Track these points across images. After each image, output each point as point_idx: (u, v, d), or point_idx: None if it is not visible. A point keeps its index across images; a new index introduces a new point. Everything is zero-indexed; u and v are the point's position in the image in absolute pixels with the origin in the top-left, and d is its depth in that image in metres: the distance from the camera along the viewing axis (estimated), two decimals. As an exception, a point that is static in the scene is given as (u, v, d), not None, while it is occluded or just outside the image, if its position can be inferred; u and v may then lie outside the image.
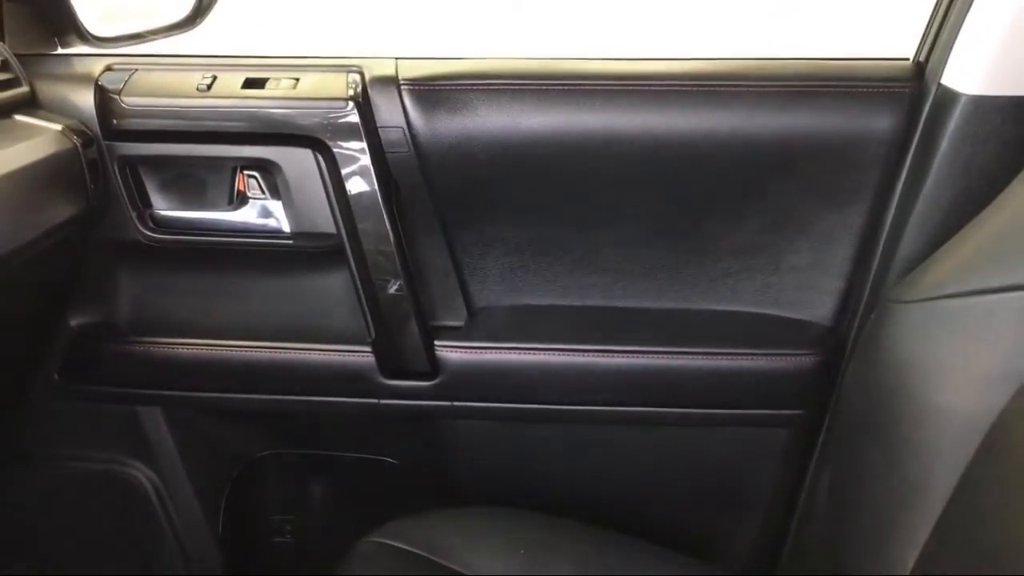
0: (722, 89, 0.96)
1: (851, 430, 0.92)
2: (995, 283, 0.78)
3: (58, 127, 0.92)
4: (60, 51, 1.09)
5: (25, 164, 0.84)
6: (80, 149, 0.92)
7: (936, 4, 0.97)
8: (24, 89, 0.94)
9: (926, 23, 0.97)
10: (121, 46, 1.12)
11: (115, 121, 0.96)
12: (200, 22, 1.20)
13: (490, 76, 0.98)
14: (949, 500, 0.79)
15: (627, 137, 0.97)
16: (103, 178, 0.97)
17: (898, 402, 0.83)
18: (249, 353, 1.06)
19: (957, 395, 0.79)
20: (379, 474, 1.16)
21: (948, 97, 0.91)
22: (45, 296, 1.01)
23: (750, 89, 0.96)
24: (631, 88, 0.97)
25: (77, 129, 0.94)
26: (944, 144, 0.91)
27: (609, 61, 1.00)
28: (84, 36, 1.09)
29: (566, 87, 0.97)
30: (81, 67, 1.01)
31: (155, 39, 1.16)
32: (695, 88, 0.97)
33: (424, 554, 0.89)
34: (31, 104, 0.95)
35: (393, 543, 0.90)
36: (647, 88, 0.97)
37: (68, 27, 1.07)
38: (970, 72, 0.90)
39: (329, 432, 1.15)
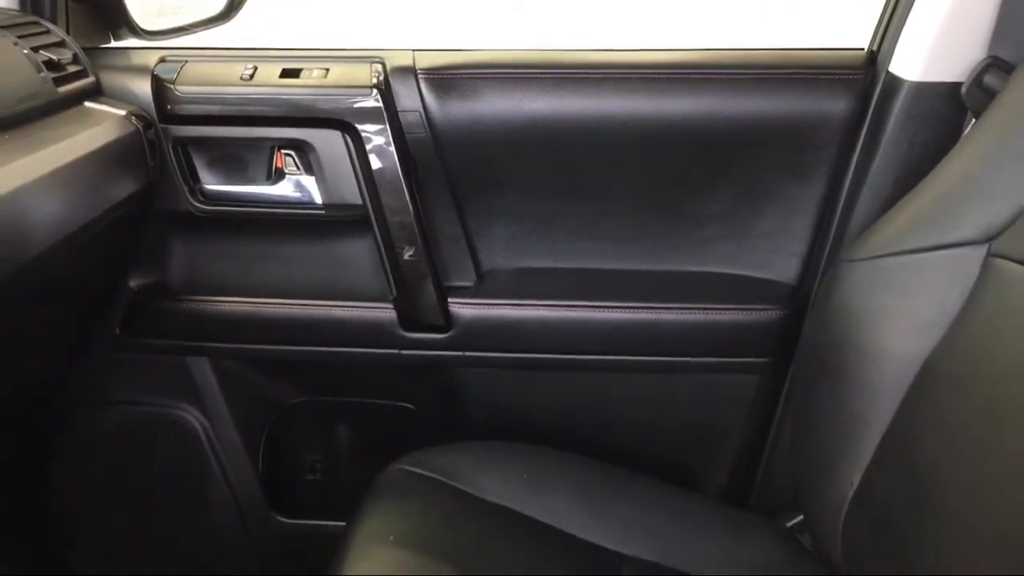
0: (700, 76, 1.09)
1: (808, 373, 1.05)
2: (926, 243, 0.92)
3: (122, 112, 1.05)
4: (114, 44, 1.22)
5: (99, 146, 0.98)
6: (141, 132, 1.06)
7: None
8: (91, 79, 1.08)
9: (879, 16, 1.10)
10: (167, 39, 1.25)
11: (170, 107, 1.10)
12: (234, 16, 1.33)
13: (496, 66, 1.11)
14: (887, 428, 0.92)
15: (617, 119, 1.10)
16: (159, 157, 1.11)
17: (846, 347, 0.96)
18: (285, 310, 1.20)
19: (894, 340, 0.93)
20: (398, 418, 1.30)
21: (895, 83, 1.04)
22: (110, 260, 1.15)
23: (724, 76, 1.09)
24: (620, 76, 1.10)
25: (138, 114, 1.07)
26: (891, 124, 1.05)
27: (601, 52, 1.13)
28: (135, 30, 1.22)
29: (563, 75, 1.11)
30: (137, 59, 1.15)
31: (196, 32, 1.29)
32: (676, 75, 1.10)
33: (441, 478, 1.04)
34: (97, 92, 1.09)
35: (414, 469, 1.04)
36: (634, 76, 1.10)
37: (121, 22, 1.20)
38: (913, 61, 1.03)
39: (354, 381, 1.30)
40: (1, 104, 0.89)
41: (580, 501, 1.05)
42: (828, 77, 1.08)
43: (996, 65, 0.97)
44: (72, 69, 1.05)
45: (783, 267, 1.17)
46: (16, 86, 0.93)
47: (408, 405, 1.30)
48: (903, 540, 0.85)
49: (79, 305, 1.14)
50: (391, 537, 0.93)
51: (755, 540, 1.07)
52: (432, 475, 1.04)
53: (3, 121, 0.89)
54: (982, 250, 0.88)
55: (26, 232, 0.83)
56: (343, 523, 0.99)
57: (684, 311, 1.16)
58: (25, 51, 0.97)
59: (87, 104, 1.05)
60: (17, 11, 1.08)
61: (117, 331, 1.21)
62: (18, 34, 0.99)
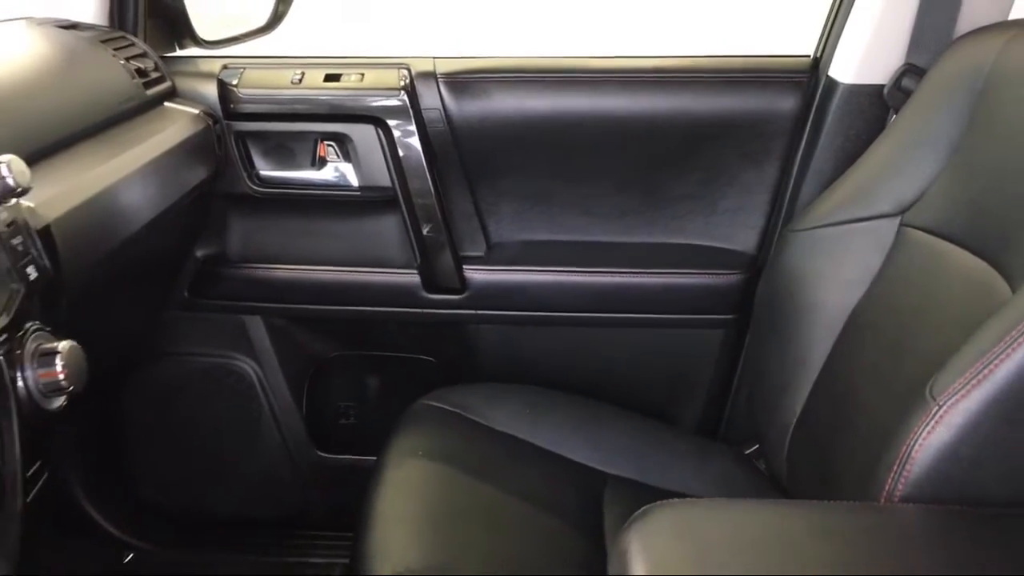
0: (671, 79, 1.31)
1: (761, 326, 1.27)
2: (853, 216, 1.13)
3: (196, 111, 1.28)
4: (178, 52, 1.44)
5: (180, 140, 1.19)
6: (211, 127, 1.28)
7: (829, 10, 1.31)
8: (169, 84, 1.30)
9: (821, 28, 1.32)
10: (223, 47, 1.47)
11: (232, 105, 1.32)
12: (276, 27, 1.55)
13: (504, 70, 1.33)
14: (821, 368, 1.13)
15: (603, 115, 1.32)
16: (224, 148, 1.33)
17: (790, 303, 1.17)
18: (325, 275, 1.42)
19: (828, 296, 1.14)
20: (420, 369, 1.52)
21: (832, 85, 1.26)
22: (183, 235, 1.36)
23: (692, 79, 1.31)
24: (606, 79, 1.32)
25: (208, 112, 1.30)
26: (829, 119, 1.26)
27: (589, 59, 1.35)
28: (197, 40, 1.44)
29: (559, 78, 1.33)
30: (203, 66, 1.37)
31: (244, 42, 1.51)
32: (652, 79, 1.32)
33: (458, 411, 1.25)
34: (173, 94, 1.31)
35: (436, 404, 1.26)
36: (617, 79, 1.32)
37: (185, 33, 1.42)
38: (847, 67, 1.25)
39: (383, 337, 1.52)
40: (108, 105, 1.12)
41: (573, 431, 1.26)
42: (779, 80, 1.30)
43: (911, 71, 1.19)
44: (154, 75, 1.27)
45: (743, 238, 1.39)
46: (118, 90, 1.15)
47: (428, 358, 1.52)
48: (827, 455, 1.06)
49: (158, 272, 1.36)
50: (420, 452, 1.16)
51: (718, 463, 1.29)
52: (451, 409, 1.26)
53: (110, 119, 1.11)
54: (896, 221, 1.10)
55: (125, 215, 1.03)
56: (374, 457, 1.20)
57: (661, 275, 1.38)
58: (121, 61, 1.19)
59: (167, 104, 1.27)
60: (108, 27, 1.30)
61: (185, 294, 1.43)
62: (113, 47, 1.21)
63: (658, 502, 0.76)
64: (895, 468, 0.77)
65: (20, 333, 0.73)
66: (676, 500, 0.78)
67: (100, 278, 1.01)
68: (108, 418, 1.50)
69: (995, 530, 0.74)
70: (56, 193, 0.87)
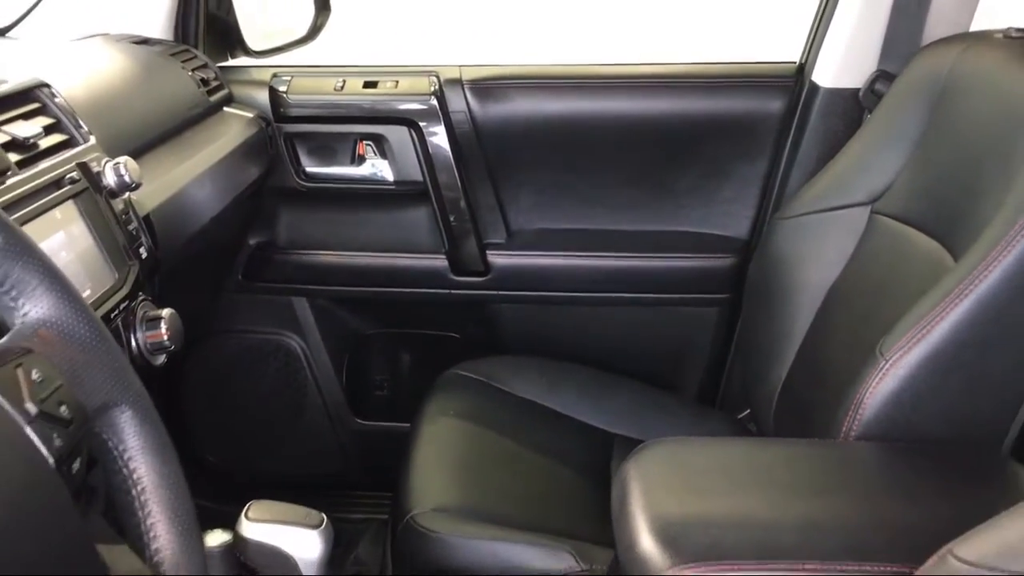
0: (672, 84, 1.47)
1: (751, 303, 1.42)
2: (832, 205, 1.28)
3: (251, 115, 1.45)
4: (231, 62, 1.61)
5: (240, 142, 1.36)
6: (265, 129, 1.45)
7: (812, 22, 1.46)
8: (227, 91, 1.46)
9: (806, 37, 1.47)
10: (269, 56, 1.64)
11: (282, 109, 1.49)
12: (315, 38, 1.71)
13: (523, 77, 1.50)
14: (802, 339, 1.28)
15: (611, 116, 1.48)
16: (274, 148, 1.50)
17: (777, 283, 1.32)
18: (363, 260, 1.59)
19: (809, 275, 1.28)
20: (447, 345, 1.69)
21: (815, 88, 1.41)
22: (239, 225, 1.54)
23: (691, 84, 1.47)
24: (615, 84, 1.49)
25: (261, 116, 1.47)
26: (812, 119, 1.42)
27: (600, 66, 1.51)
28: (247, 51, 1.61)
29: (573, 84, 1.49)
30: (255, 74, 1.54)
31: (287, 51, 1.67)
32: (656, 83, 1.48)
33: (483, 379, 1.42)
34: (230, 100, 1.48)
35: (464, 373, 1.43)
36: (625, 84, 1.49)
37: (236, 44, 1.59)
38: (827, 73, 1.40)
39: (413, 316, 1.69)
40: (180, 111, 1.29)
41: (584, 397, 1.42)
42: (768, 84, 1.46)
43: (883, 76, 1.34)
44: (214, 84, 1.44)
45: (737, 226, 1.54)
46: (187, 99, 1.33)
47: (454, 334, 1.69)
48: (805, 414, 1.20)
49: (219, 258, 1.54)
50: (451, 413, 1.33)
51: (713, 425, 1.44)
52: (477, 377, 1.42)
53: (183, 123, 1.28)
54: (867, 209, 1.25)
55: (193, 212, 1.19)
56: (406, 424, 1.37)
57: (663, 259, 1.54)
58: (188, 73, 1.36)
59: (226, 109, 1.44)
60: (173, 42, 1.47)
61: (240, 277, 1.60)
62: (180, 60, 1.38)
63: (653, 440, 0.92)
64: (850, 413, 0.93)
65: (133, 302, 0.90)
66: (669, 439, 0.94)
67: (178, 261, 1.18)
68: (172, 388, 1.68)
69: (929, 460, 0.90)
70: (151, 189, 1.04)
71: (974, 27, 1.32)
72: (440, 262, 1.57)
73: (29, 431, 0.47)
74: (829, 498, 0.84)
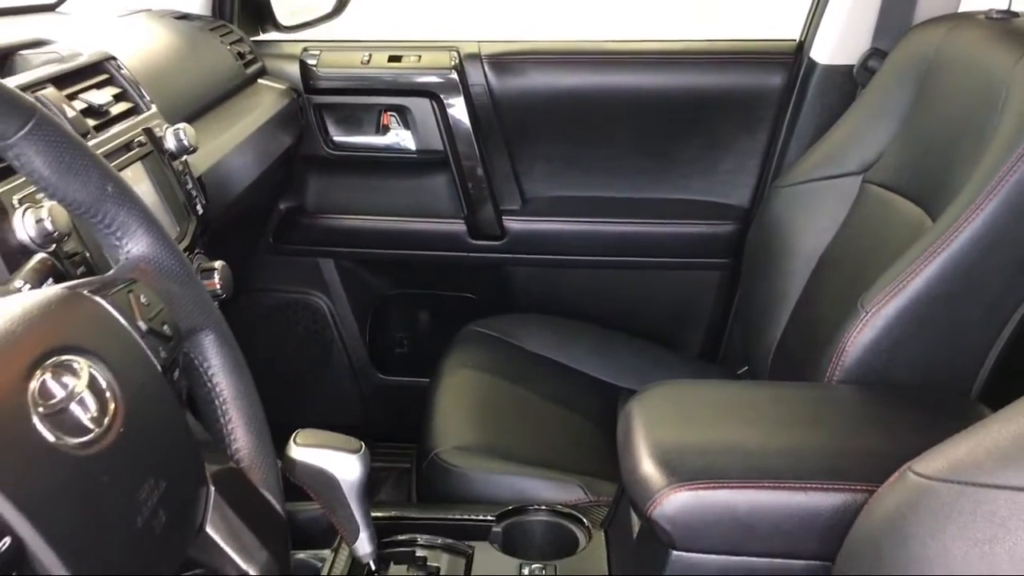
0: (678, 59, 1.57)
1: (750, 267, 1.52)
2: (826, 174, 1.37)
3: (284, 87, 1.55)
4: (262, 36, 1.71)
5: (274, 113, 1.46)
6: (296, 101, 1.55)
7: (812, 2, 1.55)
8: (260, 64, 1.56)
9: (806, 15, 1.56)
10: (298, 31, 1.74)
11: (312, 82, 1.59)
12: (339, 15, 1.81)
13: (537, 52, 1.59)
14: (796, 300, 1.37)
15: (620, 90, 1.58)
16: (305, 118, 1.60)
17: (774, 247, 1.42)
18: (387, 224, 1.69)
19: (803, 240, 1.38)
20: (464, 305, 1.80)
21: (812, 65, 1.50)
22: (271, 190, 1.64)
23: (695, 59, 1.56)
24: (623, 60, 1.58)
25: (292, 88, 1.57)
26: (810, 94, 1.51)
27: (610, 42, 1.60)
28: (277, 26, 1.71)
29: (584, 59, 1.58)
30: (287, 48, 1.64)
31: (315, 26, 1.77)
32: (662, 59, 1.57)
33: (499, 335, 1.52)
34: (264, 73, 1.58)
35: (481, 329, 1.54)
36: (633, 59, 1.58)
37: (267, 19, 1.69)
38: (824, 50, 1.49)
39: (433, 278, 1.79)
40: (221, 82, 1.39)
41: (592, 353, 1.53)
42: (769, 60, 1.55)
43: (876, 54, 1.43)
44: (249, 57, 1.54)
45: (738, 194, 1.64)
46: (226, 72, 1.42)
47: (471, 295, 1.80)
48: (799, 366, 1.30)
49: (253, 221, 1.64)
50: (469, 365, 1.43)
51: (713, 380, 1.55)
52: (493, 333, 1.53)
53: (223, 95, 1.38)
54: (859, 179, 1.34)
55: (236, 176, 1.29)
56: (425, 379, 1.47)
57: (668, 225, 1.64)
58: (227, 46, 1.46)
59: (260, 81, 1.54)
60: (211, 17, 1.56)
61: (271, 240, 1.71)
62: (219, 34, 1.48)
63: (655, 382, 1.03)
64: (833, 360, 1.04)
65: (191, 255, 1.01)
66: (669, 381, 1.05)
67: (220, 223, 1.28)
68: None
69: (903, 400, 1.00)
70: (200, 154, 1.14)
71: (963, 8, 1.40)
72: (459, 226, 1.67)
73: (142, 343, 0.58)
74: (810, 430, 0.94)
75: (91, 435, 0.49)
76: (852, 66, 1.46)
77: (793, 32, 1.58)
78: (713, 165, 1.63)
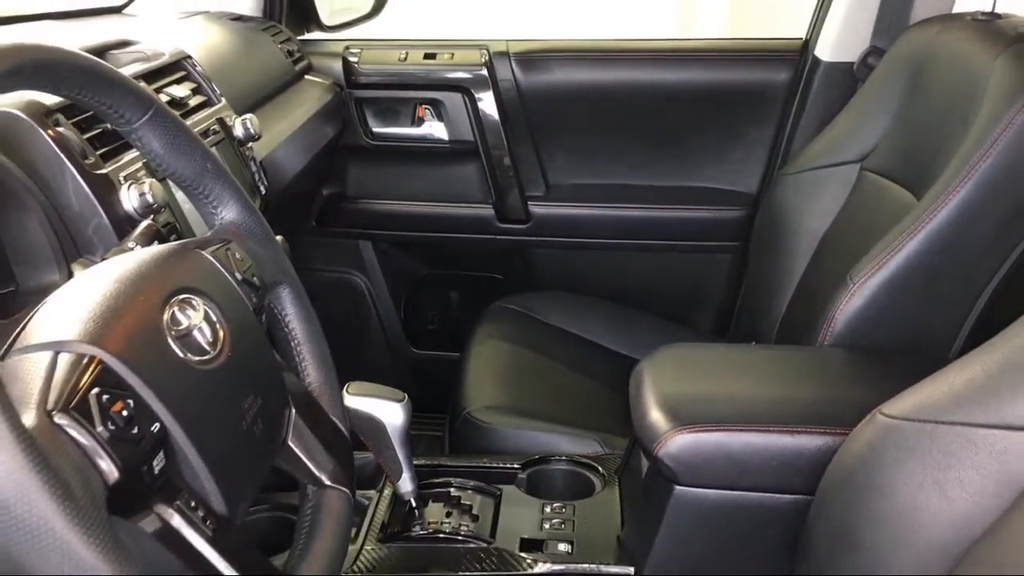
0: (692, 57, 1.69)
1: (757, 248, 1.64)
2: (827, 162, 1.48)
3: (328, 82, 1.69)
4: (306, 36, 1.85)
5: (321, 107, 1.60)
6: (340, 95, 1.69)
7: (816, 3, 1.66)
8: (307, 62, 1.71)
9: (811, 16, 1.67)
10: (339, 31, 1.88)
11: (353, 77, 1.73)
12: (377, 15, 1.95)
13: (561, 50, 1.72)
14: (800, 278, 1.49)
15: (639, 85, 1.70)
16: (346, 111, 1.74)
17: (779, 230, 1.53)
18: (421, 209, 1.83)
19: (806, 224, 1.49)
20: (491, 285, 1.93)
21: (816, 62, 1.62)
22: (315, 177, 1.78)
23: (708, 57, 1.68)
24: (640, 57, 1.70)
25: (336, 83, 1.71)
26: (814, 88, 1.62)
27: (628, 41, 1.73)
28: (321, 25, 1.86)
29: (604, 56, 1.71)
30: (330, 47, 1.78)
31: (355, 26, 1.92)
32: (677, 56, 1.70)
33: (523, 311, 1.66)
34: (310, 70, 1.72)
35: (508, 305, 1.67)
36: (650, 57, 1.70)
37: (311, 20, 1.83)
38: (827, 48, 1.60)
39: (463, 259, 1.93)
40: (273, 79, 1.53)
41: (610, 328, 1.66)
42: (777, 57, 1.67)
43: (874, 51, 1.54)
44: (297, 55, 1.68)
45: (747, 182, 1.76)
46: (277, 69, 1.57)
47: (498, 275, 1.93)
48: (799, 338, 1.42)
49: (299, 205, 1.79)
50: (497, 336, 1.57)
51: (722, 355, 1.67)
52: (519, 309, 1.67)
53: (276, 90, 1.52)
54: (857, 167, 1.45)
55: (286, 166, 1.42)
56: (455, 353, 1.61)
57: (682, 210, 1.76)
58: (278, 45, 1.60)
59: (307, 77, 1.68)
60: (262, 18, 1.71)
61: (314, 223, 1.86)
62: (270, 34, 1.62)
63: (664, 346, 1.15)
64: (824, 327, 1.16)
65: None
66: (676, 344, 1.17)
67: (274, 204, 1.42)
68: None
69: (885, 363, 1.12)
70: (259, 143, 1.28)
71: (956, 9, 1.51)
72: (487, 211, 1.80)
73: (239, 289, 0.72)
74: (798, 383, 1.07)
75: (208, 355, 0.63)
76: (853, 63, 1.57)
77: (799, 31, 1.69)
78: (724, 155, 1.75)
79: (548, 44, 1.73)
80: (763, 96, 1.68)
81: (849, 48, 1.58)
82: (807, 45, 1.66)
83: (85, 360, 0.54)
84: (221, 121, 1.12)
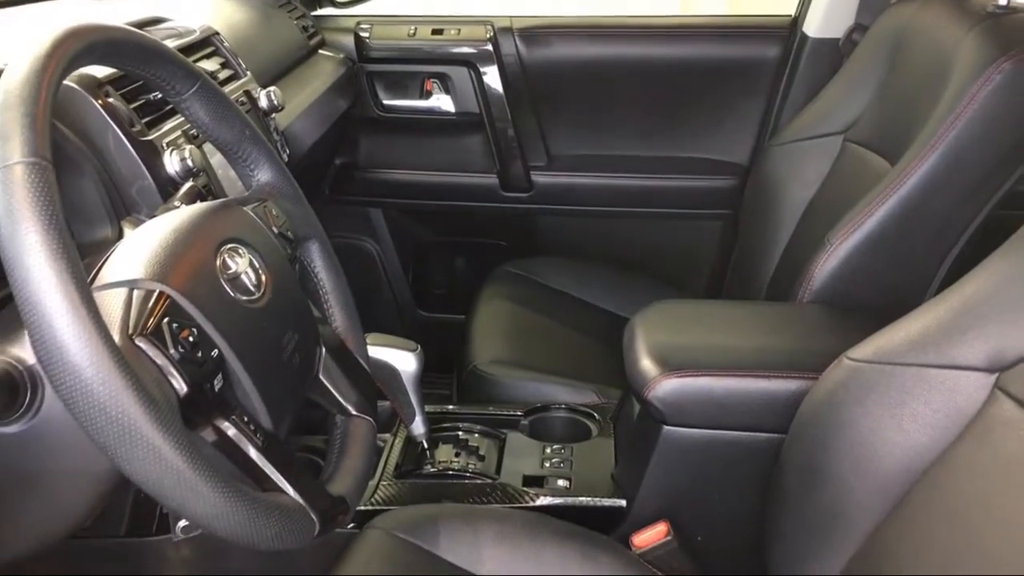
0: (685, 32, 1.77)
1: (746, 215, 1.73)
2: (811, 134, 1.56)
3: (341, 56, 1.78)
4: (319, 12, 1.94)
5: (335, 80, 1.69)
6: (352, 68, 1.78)
7: (804, -16, 1.74)
8: (320, 37, 1.79)
9: (800, -5, 1.76)
10: (350, 7, 1.96)
11: (365, 52, 1.82)
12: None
13: (562, 27, 1.80)
14: (787, 242, 1.58)
15: (636, 59, 1.79)
16: (358, 84, 1.83)
17: (768, 198, 1.62)
18: (428, 178, 1.92)
19: (793, 192, 1.58)
20: (496, 252, 2.03)
21: (804, 38, 1.70)
22: (328, 147, 1.88)
23: (701, 32, 1.77)
24: (638, 33, 1.79)
25: (349, 57, 1.80)
26: (802, 64, 1.71)
27: (627, 17, 1.81)
28: (333, 2, 1.94)
29: (604, 32, 1.80)
30: (342, 23, 1.86)
31: (365, 2, 1.99)
32: (672, 32, 1.78)
33: (526, 274, 1.76)
34: (323, 44, 1.81)
35: (511, 270, 1.77)
36: (646, 32, 1.79)
37: (324, -2, 1.92)
38: (814, 24, 1.69)
39: (468, 227, 2.03)
40: (290, 53, 1.62)
41: (608, 290, 1.76)
42: (767, 33, 1.75)
43: (859, 28, 1.62)
44: (311, 31, 1.76)
45: (739, 152, 1.85)
46: (294, 43, 1.66)
47: (503, 242, 2.03)
48: (785, 298, 1.53)
49: (313, 174, 1.88)
50: (502, 297, 1.67)
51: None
52: (522, 273, 1.77)
53: (292, 64, 1.61)
54: (840, 138, 1.53)
55: (305, 134, 1.51)
56: (461, 316, 1.71)
57: (676, 179, 1.85)
58: (294, 21, 1.69)
59: (321, 52, 1.77)
60: (278, -6, 1.79)
61: (327, 191, 1.95)
62: (286, 10, 1.71)
63: (655, 302, 1.26)
64: (803, 284, 1.25)
65: None
66: (666, 300, 1.27)
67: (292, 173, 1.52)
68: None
69: (860, 318, 1.21)
70: (280, 115, 1.38)
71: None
72: (491, 180, 1.90)
73: (276, 241, 0.82)
74: (777, 334, 1.17)
75: (254, 296, 0.73)
76: (838, 39, 1.66)
77: (789, 9, 1.78)
78: (716, 126, 1.83)
79: (550, 20, 1.82)
80: (754, 71, 1.76)
81: (835, 25, 1.66)
82: (796, 22, 1.74)
83: (156, 295, 0.64)
84: (248, 93, 1.21)
